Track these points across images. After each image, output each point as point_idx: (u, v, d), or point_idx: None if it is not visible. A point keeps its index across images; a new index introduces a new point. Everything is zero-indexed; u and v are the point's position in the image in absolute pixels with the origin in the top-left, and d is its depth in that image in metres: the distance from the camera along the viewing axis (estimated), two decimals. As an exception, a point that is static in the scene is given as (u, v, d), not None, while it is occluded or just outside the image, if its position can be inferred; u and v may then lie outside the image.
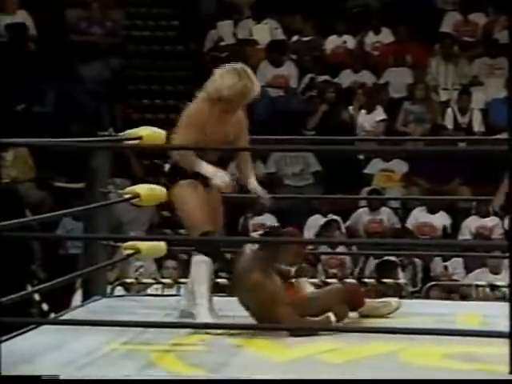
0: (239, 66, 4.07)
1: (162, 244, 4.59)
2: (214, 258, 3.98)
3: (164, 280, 5.25)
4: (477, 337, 3.41)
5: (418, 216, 7.67)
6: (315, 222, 7.67)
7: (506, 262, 6.74)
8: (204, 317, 3.86)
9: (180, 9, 9.69)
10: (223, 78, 4.03)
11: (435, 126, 8.28)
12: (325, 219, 7.58)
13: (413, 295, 6.11)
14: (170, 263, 6.38)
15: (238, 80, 3.98)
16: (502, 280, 5.96)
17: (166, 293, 5.15)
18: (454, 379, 3.19)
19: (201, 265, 3.94)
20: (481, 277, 6.57)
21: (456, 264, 7.13)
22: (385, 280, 5.28)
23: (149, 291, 5.38)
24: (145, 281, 5.34)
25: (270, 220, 7.76)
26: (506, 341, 3.37)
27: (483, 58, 8.71)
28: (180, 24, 9.66)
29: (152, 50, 9.48)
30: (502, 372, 3.25)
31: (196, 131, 3.91)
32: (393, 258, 6.79)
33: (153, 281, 5.24)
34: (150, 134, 4.41)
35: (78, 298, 5.50)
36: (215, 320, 3.86)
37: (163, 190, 4.33)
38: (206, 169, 3.91)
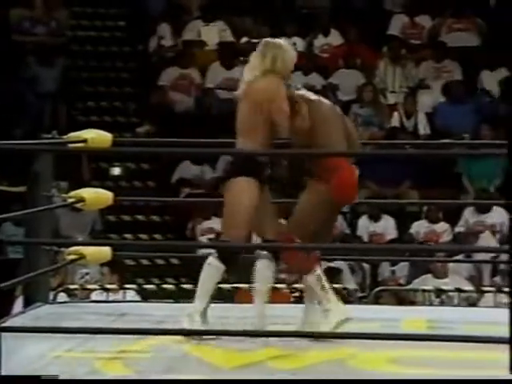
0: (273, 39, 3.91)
1: (107, 249, 4.56)
2: (228, 263, 3.92)
3: (108, 286, 5.22)
4: (476, 343, 3.42)
5: (366, 223, 7.74)
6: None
7: (451, 266, 6.88)
8: (190, 321, 3.81)
9: (127, 9, 9.64)
10: (289, 51, 3.88)
11: (391, 129, 8.35)
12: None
13: (361, 300, 6.16)
14: (114, 269, 6.34)
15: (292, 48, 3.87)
16: (447, 284, 6.05)
17: (110, 299, 5.12)
18: (453, 379, 3.20)
19: (211, 268, 3.88)
20: (426, 282, 6.65)
21: (402, 269, 7.22)
22: (334, 285, 5.30)
23: (93, 297, 5.35)
24: (89, 287, 5.31)
25: (218, 224, 7.76)
26: (455, 344, 3.44)
27: (429, 61, 8.81)
28: (127, 24, 9.62)
29: (98, 50, 9.42)
30: (451, 375, 3.31)
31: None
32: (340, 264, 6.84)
33: (97, 287, 5.21)
34: (95, 136, 4.38)
35: (19, 304, 5.44)
36: (201, 327, 3.81)
37: (108, 193, 4.30)
38: None
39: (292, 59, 3.91)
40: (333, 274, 6.71)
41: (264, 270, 3.91)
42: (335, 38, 9.14)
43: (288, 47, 3.90)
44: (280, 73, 3.86)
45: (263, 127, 3.82)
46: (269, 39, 3.94)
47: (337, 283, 5.39)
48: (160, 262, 7.59)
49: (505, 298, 5.60)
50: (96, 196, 4.37)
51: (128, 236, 7.88)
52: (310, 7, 9.50)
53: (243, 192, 3.85)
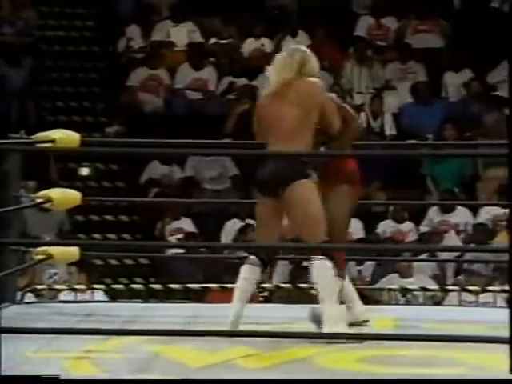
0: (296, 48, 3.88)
1: (75, 249, 4.54)
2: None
3: (76, 286, 5.19)
4: (476, 343, 3.42)
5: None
6: (233, 226, 7.69)
7: (416, 265, 6.93)
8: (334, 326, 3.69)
9: (96, 9, 9.59)
10: (313, 55, 3.89)
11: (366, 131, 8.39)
12: (242, 223, 7.61)
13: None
14: (78, 269, 6.31)
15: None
16: (412, 284, 6.09)
17: (78, 299, 5.09)
18: (451, 379, 3.19)
19: (327, 269, 3.76)
20: (392, 281, 6.69)
21: (368, 268, 7.25)
22: (301, 285, 5.32)
23: (61, 297, 5.32)
24: (57, 287, 5.27)
25: (187, 224, 7.75)
26: (424, 344, 3.46)
27: (395, 63, 8.86)
28: (96, 25, 9.56)
29: (66, 50, 9.35)
30: (418, 374, 3.32)
31: None
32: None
33: (65, 287, 5.18)
34: (64, 136, 4.35)
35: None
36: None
37: (76, 193, 4.28)
38: None
39: (317, 63, 3.90)
40: (302, 274, 6.73)
41: (249, 272, 3.87)
42: (303, 39, 9.16)
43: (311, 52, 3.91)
44: (311, 75, 3.82)
45: (311, 130, 3.73)
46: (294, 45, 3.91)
47: (305, 283, 5.39)
48: (129, 261, 7.57)
49: (468, 297, 5.65)
50: (64, 196, 4.34)
51: (96, 236, 7.84)
52: (278, 9, 9.51)
53: (314, 194, 3.73)
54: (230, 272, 6.98)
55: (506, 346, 3.28)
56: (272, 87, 3.78)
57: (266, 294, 5.78)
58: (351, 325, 3.92)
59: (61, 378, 3.08)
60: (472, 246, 6.75)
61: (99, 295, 5.58)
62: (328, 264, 3.74)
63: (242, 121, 8.48)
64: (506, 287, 5.91)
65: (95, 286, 5.31)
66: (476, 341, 3.44)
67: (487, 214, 7.48)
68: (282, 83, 3.75)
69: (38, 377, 3.08)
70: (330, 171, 3.85)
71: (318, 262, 3.74)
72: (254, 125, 3.89)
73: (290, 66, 3.77)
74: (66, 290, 5.09)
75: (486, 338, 3.49)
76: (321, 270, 3.75)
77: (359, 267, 7.29)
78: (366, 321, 4.04)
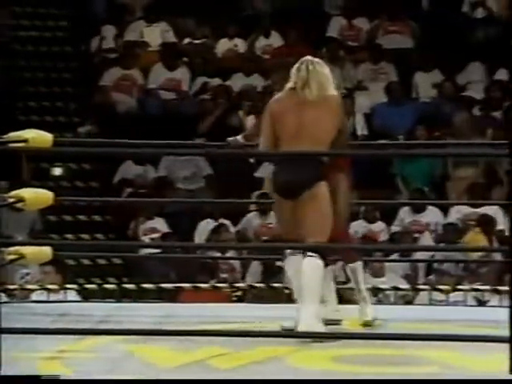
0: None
1: (47, 249, 4.50)
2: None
3: (49, 286, 5.15)
4: (476, 342, 3.43)
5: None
6: (206, 226, 7.68)
7: (388, 265, 6.95)
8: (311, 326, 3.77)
9: (69, 9, 9.53)
10: None
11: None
12: (215, 223, 7.59)
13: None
14: (53, 269, 6.26)
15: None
16: (384, 283, 6.11)
17: (51, 299, 5.06)
18: (453, 379, 3.18)
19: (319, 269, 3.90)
20: (364, 280, 6.68)
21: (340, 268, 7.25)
22: (274, 285, 5.32)
23: (34, 298, 5.28)
24: (29, 287, 5.23)
25: (160, 224, 7.72)
26: (397, 343, 3.47)
27: (367, 63, 8.89)
28: (69, 25, 9.50)
29: (39, 50, 9.29)
30: (388, 373, 3.33)
31: None
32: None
33: (37, 287, 5.14)
34: (36, 136, 4.32)
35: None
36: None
37: (49, 193, 4.25)
38: None
39: None
40: (274, 273, 6.74)
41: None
42: (276, 40, 9.17)
43: None
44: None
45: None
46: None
47: (278, 282, 5.40)
48: (102, 261, 7.53)
49: (439, 296, 5.68)
50: (36, 196, 4.30)
51: (69, 236, 7.80)
52: (251, 9, 9.51)
53: (328, 195, 3.93)
54: (203, 272, 7.01)
55: (481, 345, 3.31)
56: (311, 96, 3.97)
57: (239, 293, 5.78)
58: (326, 323, 3.94)
59: (61, 378, 3.04)
60: (459, 245, 6.78)
61: (72, 295, 5.54)
62: (320, 263, 3.83)
63: (217, 122, 8.49)
64: (476, 286, 5.96)
65: (68, 286, 5.28)
66: (474, 340, 3.43)
67: (457, 213, 7.53)
68: (320, 95, 3.97)
69: (37, 377, 3.06)
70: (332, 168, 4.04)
71: (309, 259, 3.83)
72: (265, 122, 4.03)
73: (332, 82, 4.03)
74: (39, 290, 5.06)
75: (485, 337, 3.49)
76: (307, 267, 3.84)
77: (332, 267, 7.29)
78: (340, 320, 4.07)
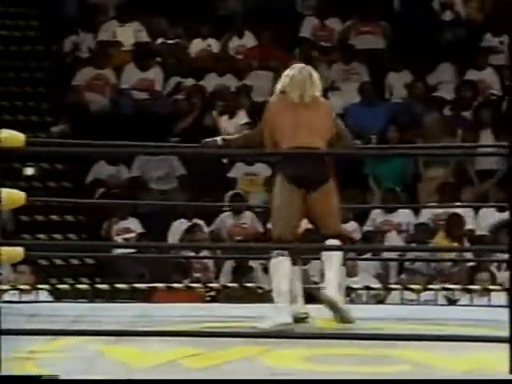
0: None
1: (20, 249, 4.46)
2: None
3: (21, 286, 5.11)
4: (476, 342, 3.43)
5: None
6: (179, 226, 7.65)
7: (360, 264, 6.97)
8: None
9: (40, 9, 9.44)
10: None
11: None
12: (189, 223, 7.57)
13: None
14: (26, 268, 6.21)
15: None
16: (356, 283, 6.13)
17: (23, 299, 5.01)
18: (451, 379, 3.17)
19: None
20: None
21: (314, 267, 7.27)
22: (247, 284, 5.32)
23: (6, 298, 5.23)
24: (1, 287, 5.18)
25: (134, 224, 7.68)
26: (367, 343, 3.47)
27: (339, 63, 8.90)
28: (40, 24, 9.42)
29: (10, 50, 9.20)
30: (361, 373, 3.34)
31: None
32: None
33: (9, 287, 5.10)
34: (8, 136, 4.28)
35: None
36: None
37: (20, 193, 4.21)
38: None
39: None
40: (244, 273, 6.73)
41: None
42: (249, 40, 9.16)
43: None
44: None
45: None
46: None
47: (249, 282, 5.39)
48: (74, 261, 7.48)
49: (410, 295, 5.71)
50: (8, 196, 4.27)
51: (42, 236, 7.74)
52: (224, 9, 9.49)
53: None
54: (177, 272, 6.98)
55: (453, 344, 3.31)
56: (304, 98, 4.17)
57: (212, 293, 5.77)
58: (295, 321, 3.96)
59: (61, 378, 3.01)
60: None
61: (44, 295, 5.50)
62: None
63: (194, 122, 8.48)
64: (447, 285, 5.99)
65: (40, 286, 5.23)
66: (474, 340, 3.43)
67: (428, 213, 7.56)
68: (313, 98, 4.20)
69: (38, 377, 3.03)
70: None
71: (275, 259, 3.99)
72: (265, 122, 4.19)
73: (319, 85, 4.24)
74: (10, 290, 5.01)
75: (486, 337, 3.49)
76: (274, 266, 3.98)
77: (304, 267, 7.29)
78: (306, 316, 4.09)
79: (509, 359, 3.10)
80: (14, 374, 3.09)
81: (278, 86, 4.20)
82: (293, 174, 4.08)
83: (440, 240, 7.07)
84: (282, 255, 4.03)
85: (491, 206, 7.25)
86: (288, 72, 4.19)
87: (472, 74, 8.52)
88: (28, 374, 3.12)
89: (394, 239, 7.39)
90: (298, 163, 4.08)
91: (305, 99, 4.15)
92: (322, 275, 4.16)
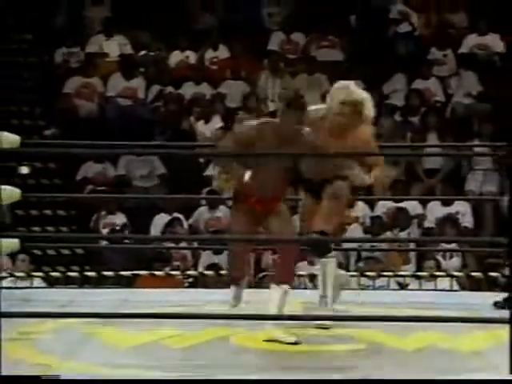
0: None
1: (16, 241, 4.43)
2: None
3: (18, 274, 5.07)
4: (480, 323, 3.40)
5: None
6: (161, 219, 7.65)
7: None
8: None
9: (33, 23, 9.37)
10: None
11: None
12: (169, 217, 7.57)
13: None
14: (26, 257, 6.17)
15: None
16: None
17: (18, 285, 4.99)
18: (452, 379, 3.07)
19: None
20: (301, 268, 6.73)
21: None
22: (221, 272, 5.32)
23: (3, 284, 5.20)
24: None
25: (120, 218, 7.67)
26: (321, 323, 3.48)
27: (303, 74, 8.94)
28: (33, 37, 9.35)
29: (5, 61, 9.11)
30: (318, 351, 3.35)
31: None
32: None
33: (6, 274, 5.06)
34: (5, 138, 4.24)
35: None
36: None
37: (16, 190, 4.18)
38: None
39: None
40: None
41: None
42: (223, 52, 9.17)
43: None
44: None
45: None
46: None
47: (222, 269, 5.40)
48: (65, 252, 7.47)
49: (367, 281, 5.74)
50: (5, 192, 4.24)
51: (36, 228, 7.71)
52: (201, 24, 9.52)
53: None
54: (158, 260, 6.98)
55: (404, 325, 3.32)
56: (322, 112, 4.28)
57: (190, 280, 5.77)
58: None
59: (61, 378, 2.98)
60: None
61: (38, 282, 5.47)
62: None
63: (171, 126, 8.48)
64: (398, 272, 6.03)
65: (34, 273, 5.20)
66: (478, 321, 3.39)
67: (382, 207, 7.62)
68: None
69: (38, 377, 2.95)
70: None
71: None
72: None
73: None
74: (7, 277, 4.98)
75: (485, 318, 3.45)
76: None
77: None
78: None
79: (509, 359, 2.96)
80: (14, 374, 3.03)
81: None
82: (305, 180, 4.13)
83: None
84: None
85: (437, 199, 7.36)
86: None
87: (419, 83, 8.63)
88: (28, 375, 3.05)
89: (355, 230, 7.44)
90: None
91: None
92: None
